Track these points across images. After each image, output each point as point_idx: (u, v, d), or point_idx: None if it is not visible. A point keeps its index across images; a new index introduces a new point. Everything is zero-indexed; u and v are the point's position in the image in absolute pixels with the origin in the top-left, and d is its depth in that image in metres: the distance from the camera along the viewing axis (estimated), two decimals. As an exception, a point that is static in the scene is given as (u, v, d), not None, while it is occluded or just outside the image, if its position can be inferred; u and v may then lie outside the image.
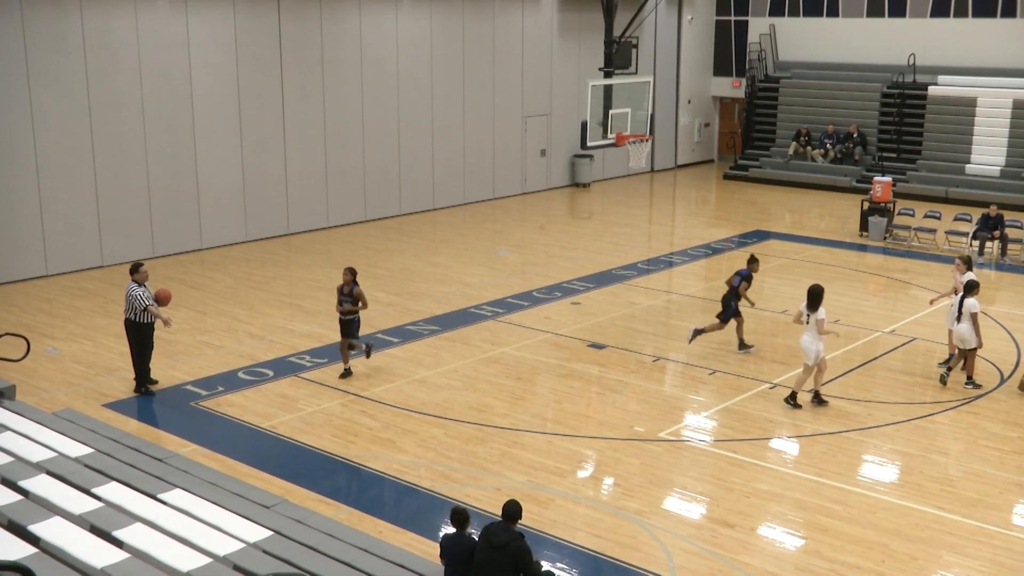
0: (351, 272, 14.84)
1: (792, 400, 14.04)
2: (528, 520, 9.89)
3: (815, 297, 13.93)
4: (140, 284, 14.28)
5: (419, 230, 25.43)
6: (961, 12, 31.10)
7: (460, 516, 8.54)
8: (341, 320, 14.99)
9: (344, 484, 11.93)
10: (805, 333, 14.03)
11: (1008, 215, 23.52)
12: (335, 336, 16.95)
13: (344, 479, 12.04)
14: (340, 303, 14.90)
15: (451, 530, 8.66)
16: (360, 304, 14.87)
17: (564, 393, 14.70)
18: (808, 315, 13.98)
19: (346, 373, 15.17)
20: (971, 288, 14.63)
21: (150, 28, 21.45)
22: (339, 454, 12.57)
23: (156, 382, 14.75)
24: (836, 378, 15.18)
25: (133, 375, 14.60)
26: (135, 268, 14.42)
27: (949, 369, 14.79)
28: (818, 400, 14.10)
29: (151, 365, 14.69)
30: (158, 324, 14.46)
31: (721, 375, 15.36)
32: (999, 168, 28.88)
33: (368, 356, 15.31)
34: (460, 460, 12.42)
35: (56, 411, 12.28)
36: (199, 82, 22.39)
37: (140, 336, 14.39)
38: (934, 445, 12.88)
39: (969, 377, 14.78)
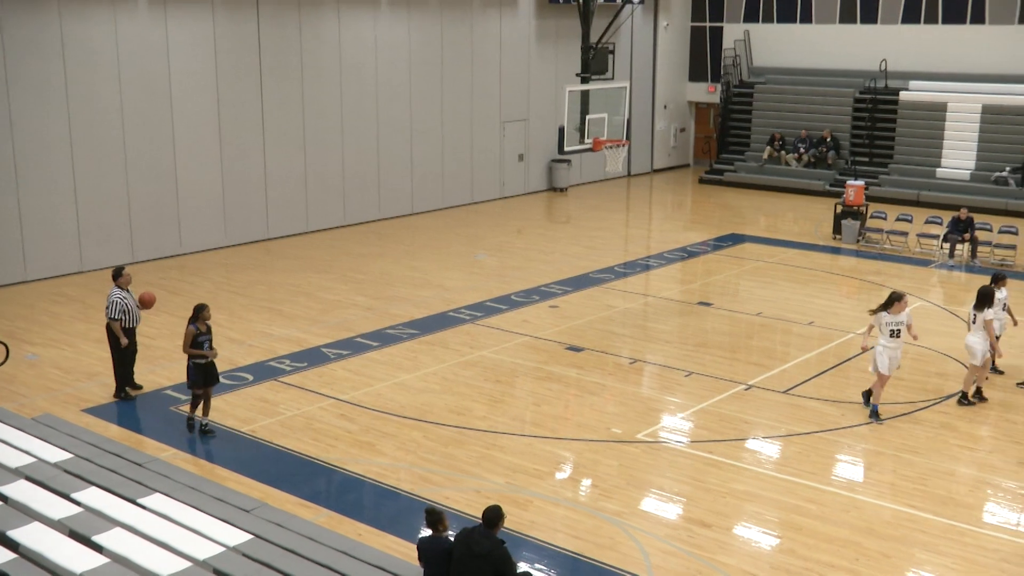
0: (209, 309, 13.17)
1: (965, 399, 14.17)
2: (507, 522, 9.87)
3: (984, 297, 13.99)
4: (123, 288, 14.22)
5: (398, 234, 25.39)
6: (931, 19, 31.34)
7: (433, 517, 8.48)
8: (206, 364, 12.98)
9: (324, 487, 11.88)
10: (971, 333, 14.09)
11: (978, 218, 23.70)
12: (315, 340, 16.94)
13: (324, 482, 11.99)
14: (202, 345, 12.91)
15: (427, 532, 8.65)
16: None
17: (542, 395, 14.71)
18: (975, 315, 14.04)
19: (206, 427, 13.21)
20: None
21: (129, 34, 21.33)
22: (319, 458, 12.52)
23: (141, 387, 14.65)
24: (810, 379, 15.26)
25: (113, 379, 14.51)
26: (118, 273, 14.34)
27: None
28: (976, 398, 14.22)
29: (134, 369, 14.60)
30: (139, 328, 14.42)
31: (697, 377, 15.40)
32: (969, 172, 29.11)
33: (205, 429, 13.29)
34: (439, 463, 12.40)
35: (35, 416, 12.20)
36: (178, 87, 22.29)
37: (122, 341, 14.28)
38: (906, 445, 12.96)
39: None
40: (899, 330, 13.50)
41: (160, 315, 17.37)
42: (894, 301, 13.46)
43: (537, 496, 11.56)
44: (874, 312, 13.67)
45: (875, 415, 13.67)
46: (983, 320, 13.93)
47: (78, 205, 20.97)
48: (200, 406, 13.18)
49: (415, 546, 8.83)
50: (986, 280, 15.60)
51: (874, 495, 11.64)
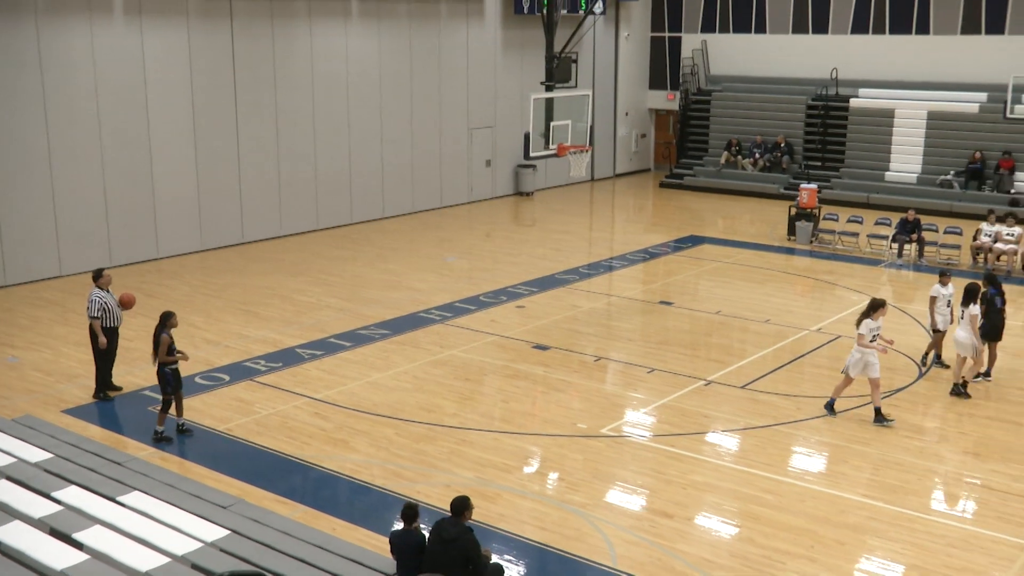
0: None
1: (962, 390, 14.35)
2: (476, 515, 9.90)
3: (970, 293, 14.15)
4: (103, 289, 14.12)
5: (370, 238, 25.32)
6: (879, 29, 31.66)
7: (410, 512, 8.54)
8: (177, 370, 12.91)
9: (299, 484, 11.83)
10: (959, 328, 14.28)
11: (924, 219, 24.00)
12: (289, 341, 16.86)
13: (299, 479, 11.94)
14: (173, 351, 12.83)
15: (399, 526, 8.66)
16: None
17: (510, 393, 14.72)
18: (962, 311, 14.17)
19: (183, 426, 13.09)
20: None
21: (106, 44, 21.13)
22: (294, 455, 12.47)
23: (120, 388, 14.51)
24: (767, 374, 15.37)
25: (93, 381, 14.37)
26: (98, 274, 14.26)
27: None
28: (961, 391, 14.41)
29: (113, 372, 14.46)
30: (120, 330, 14.31)
31: (659, 373, 15.47)
32: (916, 175, 29.44)
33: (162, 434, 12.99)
34: (411, 459, 12.39)
35: (16, 418, 12.08)
36: (154, 96, 22.10)
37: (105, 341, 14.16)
38: (858, 436, 13.09)
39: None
40: (878, 335, 13.48)
41: (137, 317, 17.20)
42: (877, 307, 13.40)
43: (505, 490, 11.58)
44: (859, 322, 13.44)
45: (830, 409, 13.78)
46: (969, 315, 14.12)
47: (56, 211, 20.74)
48: (172, 408, 13.05)
49: (388, 540, 8.84)
50: (933, 278, 15.82)
51: (828, 485, 11.74)
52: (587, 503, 11.27)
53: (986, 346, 14.89)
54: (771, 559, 10.08)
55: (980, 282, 14.84)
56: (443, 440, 12.93)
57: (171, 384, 12.86)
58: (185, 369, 15.18)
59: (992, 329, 14.78)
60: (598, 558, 10.09)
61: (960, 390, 14.39)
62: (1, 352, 16.07)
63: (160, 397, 12.97)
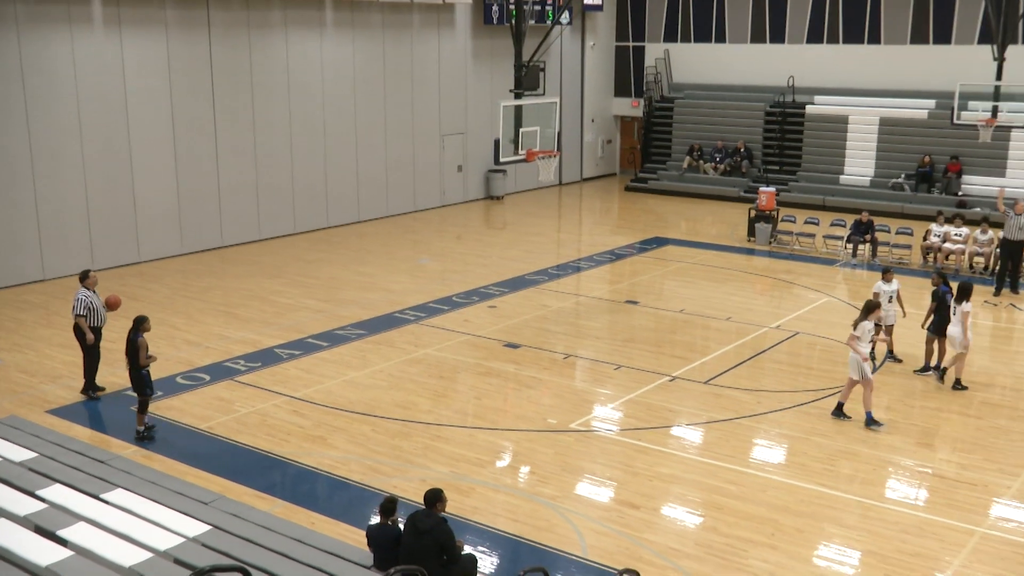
0: None
1: (959, 385, 14.50)
2: (451, 508, 9.89)
3: (964, 292, 14.28)
4: (89, 289, 14.02)
5: (346, 241, 25.22)
6: (833, 39, 31.92)
7: (388, 506, 8.53)
8: (148, 372, 12.84)
9: (278, 480, 11.77)
10: (952, 324, 14.39)
11: (877, 220, 24.21)
12: (268, 341, 16.77)
13: (278, 475, 11.88)
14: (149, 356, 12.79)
15: (376, 520, 8.64)
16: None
17: (483, 390, 14.72)
18: (955, 307, 14.29)
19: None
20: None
21: (86, 53, 20.92)
22: (273, 452, 12.40)
23: (103, 389, 14.38)
24: (729, 370, 15.46)
25: (78, 381, 14.23)
26: (84, 275, 14.17)
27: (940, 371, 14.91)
28: (934, 371, 14.73)
29: (96, 372, 14.34)
30: (103, 330, 14.19)
31: (625, 370, 15.52)
32: (869, 178, 29.71)
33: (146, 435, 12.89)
34: (387, 454, 12.36)
35: (1, 418, 11.92)
36: (134, 104, 21.89)
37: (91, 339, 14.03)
38: (816, 428, 13.19)
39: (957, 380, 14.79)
40: (874, 335, 13.48)
41: (120, 320, 17.03)
42: (873, 308, 13.30)
43: (479, 483, 11.57)
44: (856, 324, 13.24)
45: (872, 421, 13.18)
46: (961, 312, 14.26)
47: (39, 216, 20.50)
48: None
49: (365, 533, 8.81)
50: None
51: (788, 475, 11.83)
52: (557, 495, 11.29)
53: (936, 341, 15.07)
54: (734, 547, 10.14)
55: (946, 281, 15.10)
56: (418, 436, 12.91)
57: (149, 386, 12.78)
58: (166, 369, 15.15)
59: (943, 324, 14.95)
60: (569, 548, 10.11)
61: (959, 384, 14.58)
62: (-15, 354, 15.89)
63: (138, 398, 12.89)
